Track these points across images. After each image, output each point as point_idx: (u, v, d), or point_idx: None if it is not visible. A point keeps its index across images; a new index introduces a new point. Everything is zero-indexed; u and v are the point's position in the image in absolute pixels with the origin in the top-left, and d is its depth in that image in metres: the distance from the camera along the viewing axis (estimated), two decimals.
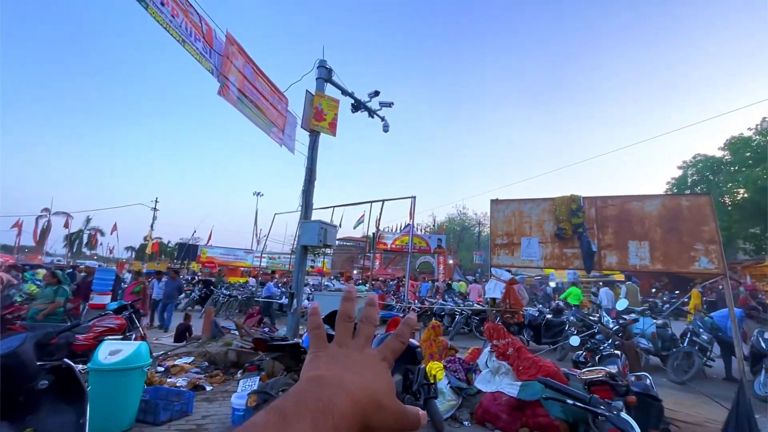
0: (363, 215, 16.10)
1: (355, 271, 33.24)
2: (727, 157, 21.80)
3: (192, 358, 6.52)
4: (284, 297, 11.56)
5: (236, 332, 7.51)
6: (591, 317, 7.59)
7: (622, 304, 5.11)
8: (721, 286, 8.74)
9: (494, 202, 5.62)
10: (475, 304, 11.18)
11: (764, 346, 5.58)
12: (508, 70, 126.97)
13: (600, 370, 2.96)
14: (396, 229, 26.43)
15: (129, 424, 3.56)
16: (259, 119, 6.17)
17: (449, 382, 4.55)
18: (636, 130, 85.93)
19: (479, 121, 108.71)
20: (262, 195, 32.60)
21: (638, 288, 11.07)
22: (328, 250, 13.68)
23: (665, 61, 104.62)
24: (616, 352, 4.48)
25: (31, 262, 22.85)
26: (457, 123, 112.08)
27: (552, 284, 23.19)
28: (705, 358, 6.52)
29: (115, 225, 31.69)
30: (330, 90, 8.40)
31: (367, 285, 13.07)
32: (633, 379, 3.61)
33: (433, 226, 41.81)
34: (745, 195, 19.18)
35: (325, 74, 8.10)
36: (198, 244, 31.45)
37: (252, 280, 12.92)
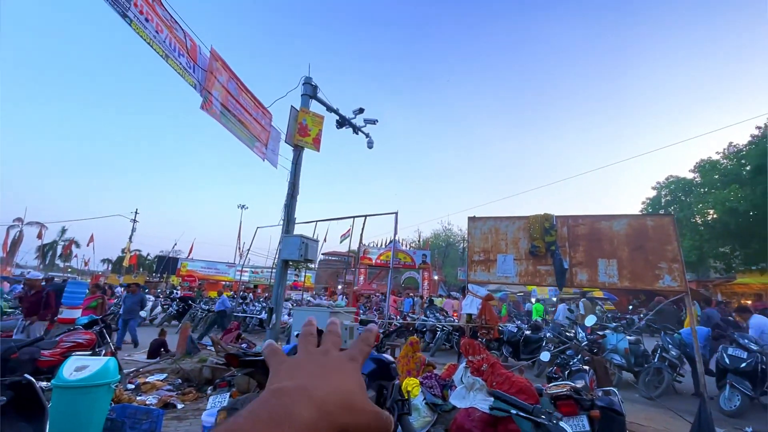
0: (349, 230, 16.16)
1: (339, 286, 32.94)
2: (697, 179, 22.77)
3: (165, 375, 6.35)
4: (263, 312, 11.39)
5: (213, 348, 7.35)
6: (567, 333, 7.73)
7: (590, 321, 5.25)
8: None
9: (472, 220, 5.75)
10: (454, 320, 11.23)
11: (728, 362, 5.78)
12: (494, 90, 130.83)
13: (565, 384, 3.04)
14: (381, 245, 26.41)
15: None
16: (243, 134, 6.22)
17: (425, 399, 4.55)
18: (615, 150, 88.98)
19: (464, 138, 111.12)
20: (247, 208, 32.28)
21: (594, 304, 11.50)
22: (310, 265, 13.62)
23: (642, 85, 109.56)
24: (585, 367, 4.59)
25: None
26: (443, 140, 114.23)
27: (533, 300, 23.45)
28: (675, 374, 6.70)
29: (92, 236, 30.72)
30: (315, 106, 8.55)
31: (346, 299, 13.00)
32: (600, 393, 3.70)
33: (419, 241, 41.98)
34: (715, 216, 19.98)
35: (310, 91, 8.25)
36: (178, 257, 30.76)
37: (224, 297, 12.46)
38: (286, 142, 7.72)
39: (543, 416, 1.92)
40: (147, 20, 4.31)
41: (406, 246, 34.02)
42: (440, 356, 9.29)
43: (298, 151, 7.79)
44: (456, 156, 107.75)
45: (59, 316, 7.11)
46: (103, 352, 5.54)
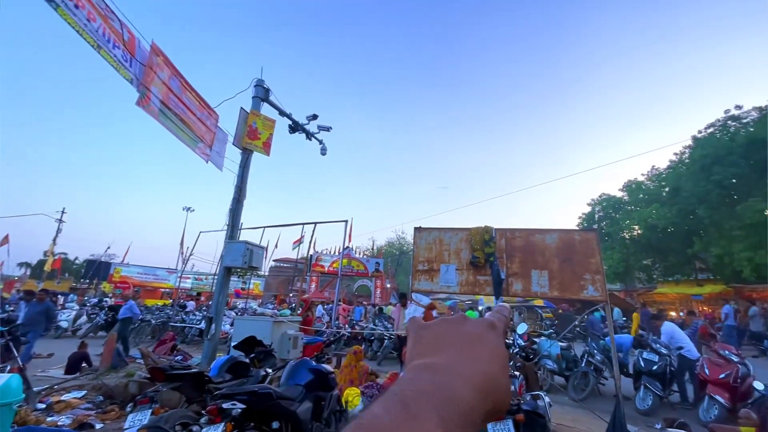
0: (302, 237, 15.82)
1: (291, 294, 32.04)
2: (625, 198, 25.12)
3: (84, 392, 5.77)
4: (203, 322, 10.77)
5: (143, 361, 6.82)
6: (506, 341, 8.10)
7: (521, 328, 5.57)
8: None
9: (417, 230, 5.89)
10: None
11: (643, 365, 6.38)
12: (447, 105, 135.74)
13: None
14: (335, 252, 26.12)
15: None
16: (184, 134, 5.92)
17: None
18: (559, 167, 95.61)
19: (418, 149, 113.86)
20: (193, 210, 30.43)
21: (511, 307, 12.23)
22: (258, 272, 13.10)
23: (584, 107, 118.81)
24: (515, 373, 4.85)
25: None
26: (399, 150, 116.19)
27: (480, 308, 24.35)
28: (599, 377, 7.26)
29: (6, 236, 27.35)
30: (267, 110, 8.36)
31: (289, 309, 12.67)
32: (529, 398, 3.92)
33: (372, 249, 42.09)
34: (639, 231, 22.09)
35: (262, 93, 8.06)
36: (111, 261, 28.26)
37: (131, 303, 10.61)
38: (234, 144, 7.46)
39: None
40: (77, 6, 4.00)
41: (359, 254, 33.98)
42: (387, 364, 9.32)
43: (246, 154, 7.56)
44: (411, 166, 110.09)
45: None
46: (8, 368, 4.93)
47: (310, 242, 12.33)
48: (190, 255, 15.24)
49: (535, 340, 7.60)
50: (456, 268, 5.47)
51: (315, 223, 10.23)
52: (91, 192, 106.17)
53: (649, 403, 6.13)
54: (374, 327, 11.60)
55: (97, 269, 25.50)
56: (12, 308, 11.04)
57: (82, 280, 29.16)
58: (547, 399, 4.17)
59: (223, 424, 2.63)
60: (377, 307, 16.01)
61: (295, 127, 9.54)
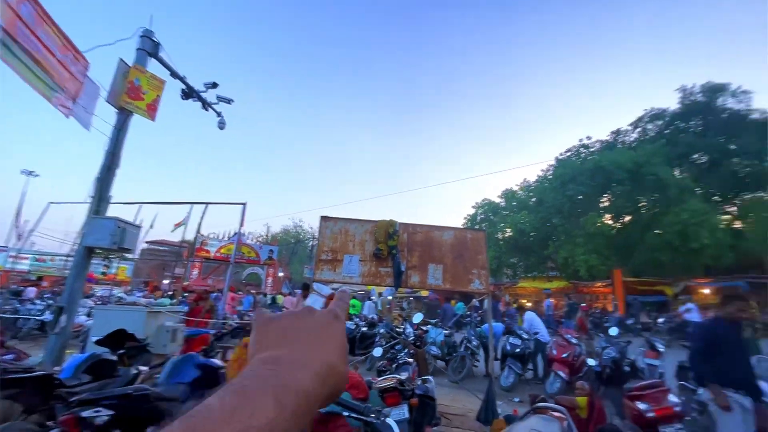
0: (186, 217, 14.09)
1: (165, 281, 28.44)
2: (502, 204, 28.83)
3: None
4: (46, 312, 8.87)
5: None
6: (398, 329, 8.58)
7: (417, 318, 5.97)
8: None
9: (324, 219, 5.78)
10: None
11: (508, 348, 7.42)
12: (355, 92, 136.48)
13: (392, 377, 3.32)
14: (223, 237, 24.01)
15: None
16: (37, 78, 4.69)
17: None
18: (456, 168, 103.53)
19: (323, 137, 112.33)
20: (37, 175, 24.44)
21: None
22: (128, 255, 11.27)
23: (477, 117, 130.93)
24: (409, 360, 5.18)
25: None
26: (300, 137, 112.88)
27: (373, 298, 25.32)
28: (474, 360, 8.20)
29: None
30: (155, 68, 7.16)
31: (173, 299, 11.35)
32: (419, 383, 4.19)
33: (267, 236, 40.06)
34: (510, 233, 25.62)
35: (149, 47, 6.87)
36: None
37: None
38: (107, 101, 6.22)
39: (372, 415, 2.03)
40: None
41: (253, 240, 31.98)
42: None
43: (124, 115, 6.39)
44: (314, 154, 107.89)
45: None
46: None
47: (199, 224, 11.10)
48: (32, 231, 12.20)
49: (424, 328, 8.21)
50: (360, 259, 5.53)
51: (207, 204, 9.23)
52: None
53: (510, 381, 7.17)
54: None
55: None
56: None
57: None
58: (433, 382, 4.53)
59: None
60: (269, 297, 15.33)
61: (189, 93, 8.41)
